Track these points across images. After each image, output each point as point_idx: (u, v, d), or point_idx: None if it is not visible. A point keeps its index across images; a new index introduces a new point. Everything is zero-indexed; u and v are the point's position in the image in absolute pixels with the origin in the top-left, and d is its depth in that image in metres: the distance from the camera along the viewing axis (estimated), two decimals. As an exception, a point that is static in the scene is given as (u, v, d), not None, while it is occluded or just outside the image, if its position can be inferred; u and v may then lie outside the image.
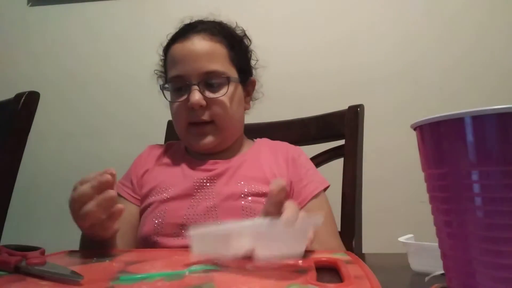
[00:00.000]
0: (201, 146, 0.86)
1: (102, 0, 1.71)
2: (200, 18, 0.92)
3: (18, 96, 0.93)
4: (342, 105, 1.04)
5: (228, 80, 0.85)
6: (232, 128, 0.89)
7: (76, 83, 1.71)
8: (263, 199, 0.80)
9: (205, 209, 0.80)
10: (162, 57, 0.94)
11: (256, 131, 1.06)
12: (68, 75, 1.72)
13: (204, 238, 0.53)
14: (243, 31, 0.96)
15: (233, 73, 0.87)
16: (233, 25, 0.95)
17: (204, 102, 0.83)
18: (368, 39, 1.56)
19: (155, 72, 0.95)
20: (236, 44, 0.90)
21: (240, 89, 0.90)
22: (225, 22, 0.93)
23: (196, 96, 0.82)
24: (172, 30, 0.92)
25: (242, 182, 0.83)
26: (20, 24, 1.75)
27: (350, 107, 1.02)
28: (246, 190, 0.81)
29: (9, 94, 0.96)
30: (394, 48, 1.55)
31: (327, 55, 1.57)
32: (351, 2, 1.58)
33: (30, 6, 1.75)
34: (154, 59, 0.96)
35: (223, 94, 0.84)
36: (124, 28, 1.70)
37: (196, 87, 0.83)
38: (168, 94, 0.89)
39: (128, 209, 0.84)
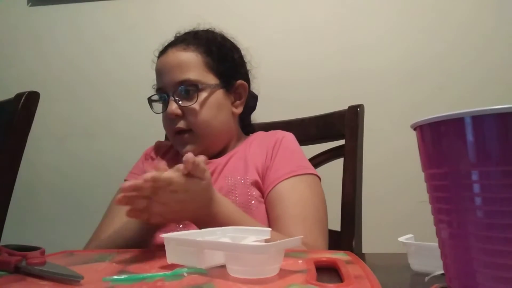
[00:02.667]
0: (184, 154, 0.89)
1: (103, 0, 1.71)
2: (189, 29, 0.96)
3: (18, 96, 0.93)
4: (342, 106, 1.04)
5: (198, 88, 0.86)
6: (213, 135, 0.89)
7: (75, 83, 1.71)
8: (248, 189, 0.83)
9: None
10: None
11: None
12: (67, 75, 1.72)
13: (177, 249, 0.52)
14: (221, 34, 0.96)
15: (209, 79, 0.88)
16: (213, 31, 0.96)
17: (179, 112, 0.86)
18: (369, 41, 1.56)
19: (153, 87, 0.97)
20: (214, 49, 0.90)
21: (220, 94, 0.90)
22: (206, 29, 0.96)
23: (172, 106, 0.86)
24: (178, 30, 0.95)
25: (228, 176, 0.85)
26: (20, 24, 1.75)
27: (350, 107, 1.02)
28: (231, 182, 0.84)
29: (9, 94, 0.96)
30: (395, 49, 1.55)
31: (328, 57, 1.57)
32: (354, 7, 1.58)
33: (30, 6, 1.75)
34: (154, 61, 0.97)
35: (195, 102, 0.86)
36: (125, 29, 1.70)
37: (172, 97, 0.87)
38: (157, 105, 0.93)
39: None
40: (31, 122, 0.94)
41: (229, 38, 0.97)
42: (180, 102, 0.86)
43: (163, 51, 0.92)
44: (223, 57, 0.92)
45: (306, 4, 1.60)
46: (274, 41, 1.59)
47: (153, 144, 1.04)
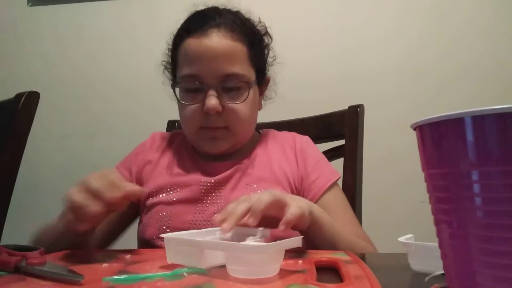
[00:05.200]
0: (212, 150, 0.82)
1: (103, 0, 1.71)
2: (214, 5, 0.84)
3: (18, 96, 0.93)
4: (343, 106, 1.04)
5: (248, 85, 0.78)
6: (245, 133, 0.84)
7: (75, 83, 1.71)
8: None
9: (212, 214, 0.75)
10: (170, 47, 0.86)
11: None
12: (67, 75, 1.72)
13: (177, 248, 0.52)
14: (265, 27, 0.87)
15: (252, 75, 0.81)
16: (253, 19, 0.86)
17: (220, 108, 0.76)
18: (369, 41, 1.56)
19: (162, 63, 0.88)
20: (256, 42, 0.82)
21: (256, 90, 0.84)
22: (243, 13, 0.85)
23: (213, 101, 0.75)
24: (172, 28, 0.85)
25: (251, 185, 0.80)
26: (20, 24, 1.75)
27: (350, 107, 1.02)
28: (255, 192, 0.78)
29: (9, 94, 0.96)
30: (395, 49, 1.55)
31: (328, 56, 1.57)
32: (354, 6, 1.58)
33: (30, 6, 1.75)
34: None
35: (243, 101, 0.78)
36: (124, 29, 1.70)
37: (213, 91, 0.76)
38: (177, 92, 0.82)
39: None
40: (31, 122, 0.94)
41: (268, 32, 0.88)
42: (223, 98, 0.77)
43: (201, 31, 0.76)
44: (262, 51, 0.85)
45: (306, 5, 1.60)
46: (275, 41, 1.59)
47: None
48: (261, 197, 0.56)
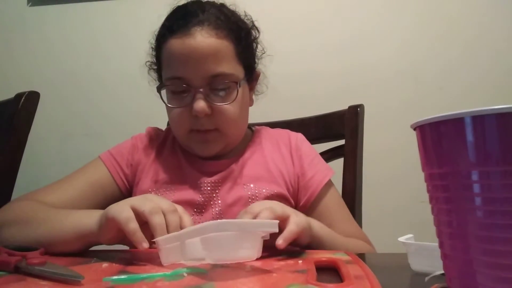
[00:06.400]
0: (204, 154, 0.81)
1: (102, 0, 1.71)
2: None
3: (18, 96, 0.93)
4: (342, 105, 1.04)
5: (237, 84, 0.76)
6: (237, 133, 0.82)
7: (75, 83, 1.71)
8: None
9: (211, 216, 0.77)
10: (154, 45, 0.83)
11: (256, 131, 1.06)
12: (67, 75, 1.72)
13: (165, 249, 0.52)
14: (252, 20, 0.85)
15: (240, 72, 0.78)
16: (238, 12, 0.83)
17: (209, 111, 0.74)
18: (369, 40, 1.56)
19: (146, 64, 0.86)
20: (243, 37, 0.79)
21: (246, 88, 0.81)
22: (228, 6, 0.82)
23: (201, 104, 0.73)
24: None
25: (248, 184, 0.79)
26: (20, 24, 1.75)
27: (350, 107, 1.02)
28: (252, 192, 0.78)
29: (9, 94, 0.96)
30: (395, 48, 1.55)
31: (328, 56, 1.57)
32: (352, 3, 1.58)
33: (30, 6, 1.75)
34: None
35: (232, 101, 0.75)
36: (124, 28, 1.70)
37: (200, 93, 0.74)
38: (163, 93, 0.79)
39: (110, 187, 0.83)
40: (31, 122, 0.94)
41: (254, 25, 0.86)
42: (211, 99, 0.75)
43: (185, 30, 0.74)
44: (250, 46, 0.82)
45: (309, 5, 1.60)
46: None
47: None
48: (261, 215, 0.57)
